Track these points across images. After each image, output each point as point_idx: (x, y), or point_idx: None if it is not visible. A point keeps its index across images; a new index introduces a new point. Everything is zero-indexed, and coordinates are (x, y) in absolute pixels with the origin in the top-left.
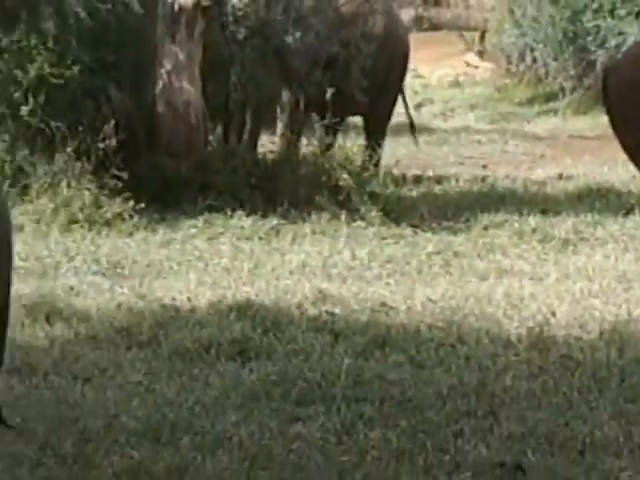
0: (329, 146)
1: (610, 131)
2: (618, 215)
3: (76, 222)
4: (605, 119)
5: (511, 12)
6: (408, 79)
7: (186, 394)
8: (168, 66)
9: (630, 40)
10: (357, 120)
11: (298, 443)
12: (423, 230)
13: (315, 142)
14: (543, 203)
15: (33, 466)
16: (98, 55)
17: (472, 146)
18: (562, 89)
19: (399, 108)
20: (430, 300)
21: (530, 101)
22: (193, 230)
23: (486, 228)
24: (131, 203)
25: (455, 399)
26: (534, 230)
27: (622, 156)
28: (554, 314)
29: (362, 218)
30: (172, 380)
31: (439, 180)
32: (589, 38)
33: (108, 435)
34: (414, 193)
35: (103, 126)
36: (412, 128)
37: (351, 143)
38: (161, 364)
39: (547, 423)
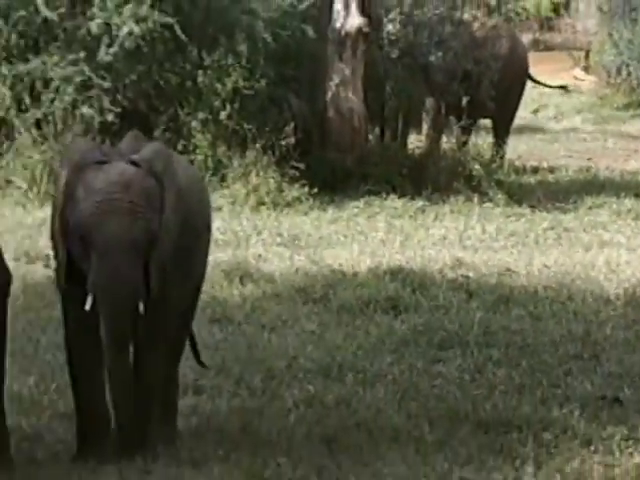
0: (464, 143)
1: None
2: None
3: (263, 204)
4: None
5: (610, 35)
6: (527, 89)
7: (350, 340)
8: (336, 80)
9: None
10: (487, 122)
11: (440, 380)
12: (539, 210)
13: (453, 140)
14: (636, 188)
15: (230, 397)
16: (281, 71)
17: (579, 143)
18: None
19: (519, 113)
20: (545, 266)
21: (626, 106)
22: (356, 210)
23: (590, 208)
24: (307, 189)
25: (565, 345)
26: (629, 210)
27: None
28: None
29: (490, 200)
30: (339, 329)
31: (552, 170)
32: None
33: (289, 372)
34: (532, 180)
35: (284, 127)
36: (558, 87)
37: (482, 141)
38: (330, 317)
39: None
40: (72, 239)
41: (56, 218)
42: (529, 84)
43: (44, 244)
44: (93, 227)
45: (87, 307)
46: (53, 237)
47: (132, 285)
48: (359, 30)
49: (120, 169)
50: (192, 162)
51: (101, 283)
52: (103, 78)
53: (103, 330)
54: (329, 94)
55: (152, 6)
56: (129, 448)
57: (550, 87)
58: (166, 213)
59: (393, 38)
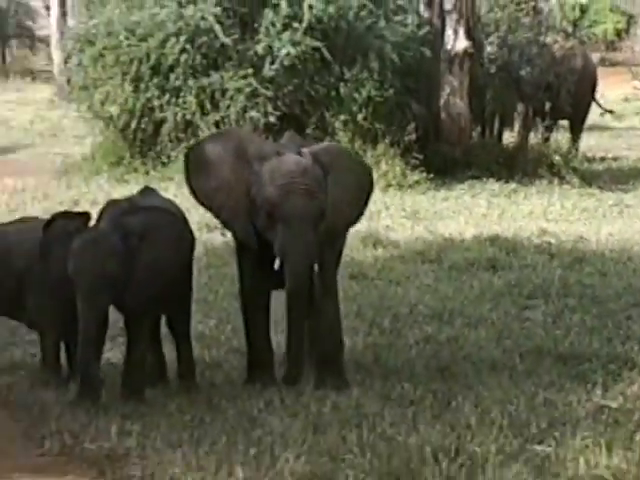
0: (547, 139)
1: None
2: None
3: (390, 186)
4: None
5: None
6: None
7: (458, 292)
8: (447, 90)
9: None
10: (564, 123)
11: (528, 323)
12: (606, 190)
13: (538, 136)
14: None
15: (364, 336)
16: (405, 83)
17: (637, 138)
18: None
19: (590, 115)
20: (610, 234)
21: None
22: (462, 191)
23: None
24: (424, 174)
25: (627, 296)
26: None
27: None
28: None
29: (568, 183)
30: (450, 283)
31: (616, 159)
32: None
33: (411, 317)
34: (600, 167)
35: (407, 127)
36: (607, 111)
37: (561, 137)
38: (443, 274)
39: None
40: (258, 214)
41: (224, 198)
42: (598, 92)
43: None
44: (279, 205)
45: (276, 267)
46: (217, 212)
47: (310, 250)
48: (465, 51)
49: (295, 159)
50: None
51: (287, 248)
52: (267, 89)
53: (288, 285)
54: (442, 101)
55: (305, 33)
56: (292, 379)
57: (603, 109)
58: (335, 196)
59: (492, 57)
